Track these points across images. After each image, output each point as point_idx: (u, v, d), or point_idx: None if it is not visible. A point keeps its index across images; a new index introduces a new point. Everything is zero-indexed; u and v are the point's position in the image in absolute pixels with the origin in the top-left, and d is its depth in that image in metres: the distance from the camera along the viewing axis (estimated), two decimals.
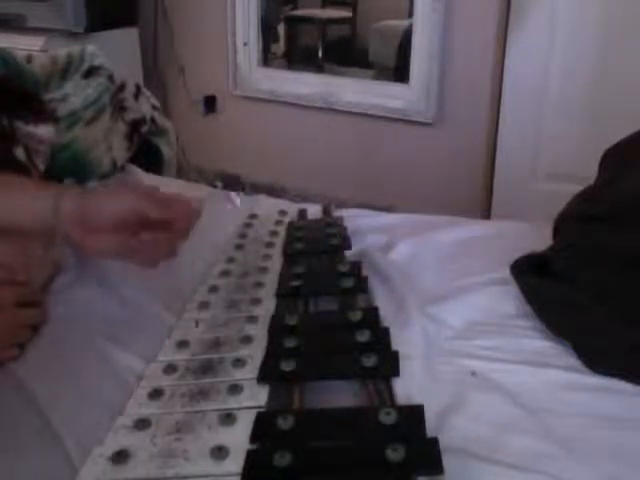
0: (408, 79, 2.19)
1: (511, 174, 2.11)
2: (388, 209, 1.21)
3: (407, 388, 0.60)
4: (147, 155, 1.26)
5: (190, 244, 0.64)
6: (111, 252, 0.61)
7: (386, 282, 0.81)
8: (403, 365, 0.62)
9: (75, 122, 1.05)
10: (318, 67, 3.07)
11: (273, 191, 2.36)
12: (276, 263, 0.86)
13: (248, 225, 0.99)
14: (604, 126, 1.60)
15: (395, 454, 0.48)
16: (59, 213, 0.58)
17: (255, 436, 0.53)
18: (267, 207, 1.07)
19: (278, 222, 1.00)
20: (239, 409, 0.57)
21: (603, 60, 1.89)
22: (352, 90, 2.32)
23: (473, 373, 0.64)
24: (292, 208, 1.06)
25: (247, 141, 2.54)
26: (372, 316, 0.71)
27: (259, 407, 0.57)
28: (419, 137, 2.21)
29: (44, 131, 0.92)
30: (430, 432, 0.52)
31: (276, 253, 0.89)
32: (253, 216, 1.02)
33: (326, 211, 1.04)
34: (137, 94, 1.23)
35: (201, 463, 0.51)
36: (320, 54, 3.24)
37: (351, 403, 0.58)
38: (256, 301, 0.76)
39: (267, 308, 0.74)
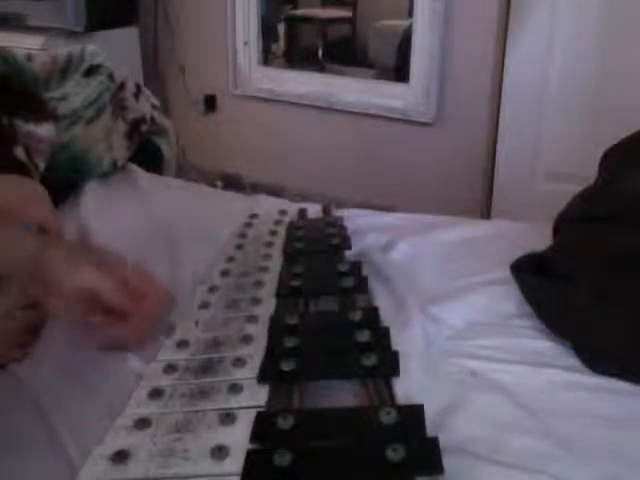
0: (408, 79, 2.20)
1: (511, 174, 2.11)
2: (388, 209, 1.21)
3: (407, 388, 0.60)
4: (147, 154, 1.26)
5: (190, 244, 0.64)
6: (68, 319, 0.53)
7: (386, 282, 0.81)
8: (403, 365, 0.62)
9: (75, 121, 1.05)
10: (318, 67, 3.07)
11: (273, 191, 2.36)
12: (276, 263, 0.86)
13: (248, 225, 0.99)
14: (604, 126, 1.60)
15: (395, 454, 0.48)
16: (21, 263, 0.51)
17: (255, 436, 0.52)
18: (267, 207, 1.07)
19: (278, 222, 1.00)
20: (239, 409, 0.56)
21: (603, 60, 1.89)
22: (352, 90, 2.32)
23: (473, 373, 0.64)
24: (292, 208, 1.06)
25: (247, 141, 2.54)
26: (372, 316, 0.71)
27: (259, 407, 0.57)
28: (419, 137, 2.21)
29: (44, 130, 0.92)
30: (430, 432, 0.52)
31: (276, 253, 0.89)
32: (253, 216, 1.02)
33: (326, 211, 1.04)
34: (137, 93, 1.22)
35: (201, 463, 0.51)
36: (320, 54, 3.24)
37: (351, 403, 0.58)
38: (256, 301, 0.76)
39: (267, 308, 0.74)
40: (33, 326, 0.65)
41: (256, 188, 2.38)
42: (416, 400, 0.57)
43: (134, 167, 1.19)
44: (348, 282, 0.78)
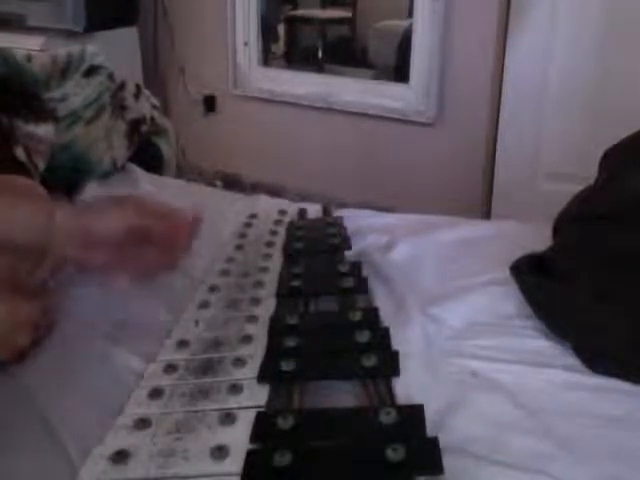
0: (408, 79, 2.20)
1: (511, 174, 2.11)
2: (388, 209, 1.21)
3: (407, 388, 0.60)
4: (147, 154, 1.26)
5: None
6: (110, 266, 0.59)
7: (386, 282, 0.81)
8: (403, 365, 0.62)
9: (75, 121, 1.05)
10: (318, 67, 3.07)
11: (273, 191, 2.36)
12: (276, 263, 0.86)
13: (248, 225, 0.99)
14: (604, 126, 1.60)
15: (395, 454, 0.48)
16: (52, 230, 0.57)
17: (255, 436, 0.52)
18: (267, 207, 1.07)
19: (278, 222, 1.00)
20: (239, 409, 0.56)
21: (603, 60, 1.89)
22: (352, 90, 2.32)
23: (473, 373, 0.64)
24: (292, 208, 1.06)
25: (247, 141, 2.54)
26: (372, 316, 0.71)
27: (259, 407, 0.57)
28: (419, 137, 2.21)
29: (44, 130, 0.92)
30: (430, 432, 0.52)
31: (276, 253, 0.89)
32: (253, 216, 1.02)
33: (326, 211, 1.04)
34: (137, 93, 1.23)
35: (201, 463, 0.51)
36: (320, 54, 3.25)
37: (351, 403, 0.58)
38: (256, 301, 0.76)
39: (267, 308, 0.74)
40: (47, 311, 0.67)
41: (256, 188, 2.38)
42: (416, 400, 0.57)
43: (134, 167, 1.19)
44: (348, 282, 0.78)
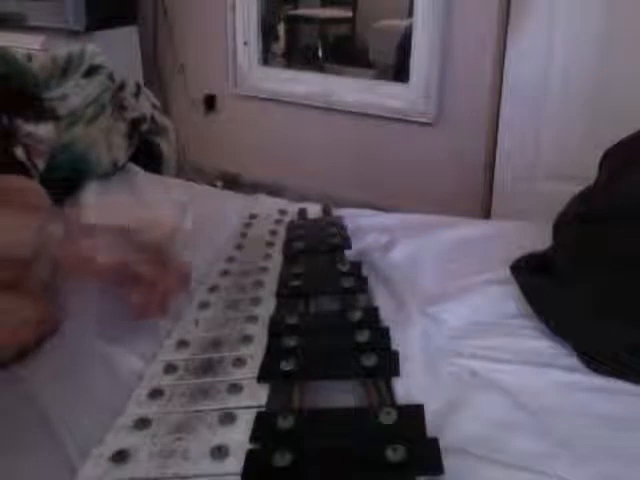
0: (408, 79, 2.20)
1: (511, 174, 2.11)
2: (388, 209, 1.21)
3: (407, 388, 0.60)
4: (147, 154, 1.26)
5: (190, 244, 0.64)
6: (108, 272, 0.58)
7: (386, 282, 0.81)
8: (403, 365, 0.62)
9: (75, 121, 1.05)
10: (318, 67, 3.07)
11: (273, 191, 2.36)
12: (276, 263, 0.86)
13: (248, 225, 0.99)
14: (604, 126, 1.60)
15: (395, 454, 0.48)
16: (41, 247, 0.56)
17: (255, 436, 0.52)
18: (267, 206, 1.07)
19: (278, 221, 1.00)
20: (239, 409, 0.56)
21: (603, 60, 1.89)
22: (352, 90, 2.32)
23: (473, 373, 0.64)
24: (292, 208, 1.06)
25: (247, 140, 2.54)
26: (372, 316, 0.71)
27: (259, 407, 0.57)
28: (419, 137, 2.21)
29: (44, 130, 0.92)
30: (430, 432, 0.52)
31: (276, 253, 0.89)
32: (253, 216, 1.02)
33: (326, 211, 1.04)
34: (137, 93, 1.23)
35: (201, 463, 0.51)
36: (320, 53, 3.25)
37: (351, 403, 0.58)
38: (256, 301, 0.76)
39: (267, 308, 0.74)
40: (50, 310, 0.66)
41: (256, 188, 2.38)
42: (416, 400, 0.57)
43: (134, 167, 1.19)
44: (348, 282, 0.78)
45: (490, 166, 2.14)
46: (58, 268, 0.60)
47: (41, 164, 0.90)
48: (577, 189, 0.82)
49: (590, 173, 0.83)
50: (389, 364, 0.61)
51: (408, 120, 2.19)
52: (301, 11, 3.48)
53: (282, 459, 0.49)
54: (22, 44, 1.79)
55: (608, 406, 0.60)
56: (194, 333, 0.70)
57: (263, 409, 0.56)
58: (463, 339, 0.70)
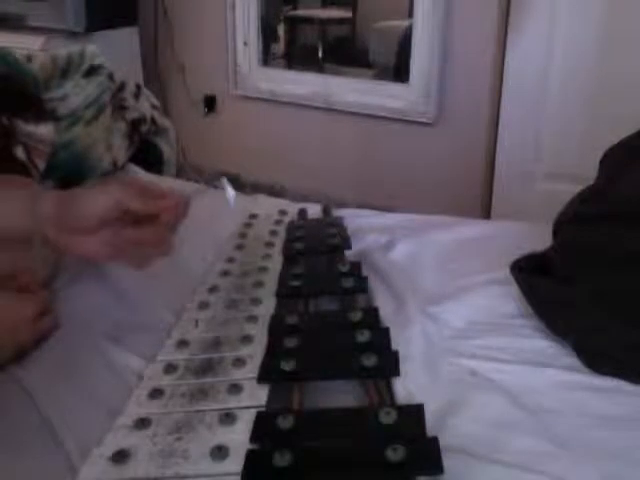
0: (408, 79, 2.19)
1: (511, 174, 2.11)
2: (388, 209, 1.21)
3: (407, 388, 0.60)
4: (147, 154, 1.26)
5: (190, 243, 0.64)
6: (98, 253, 0.57)
7: (386, 282, 0.81)
8: (403, 365, 0.62)
9: (75, 121, 1.05)
10: (318, 67, 3.06)
11: (273, 191, 2.36)
12: (276, 263, 0.86)
13: (248, 225, 0.99)
14: (604, 126, 1.59)
15: (395, 454, 0.48)
16: (37, 216, 0.55)
17: (255, 436, 0.53)
18: (267, 207, 1.07)
19: (278, 222, 1.00)
20: (239, 409, 0.57)
21: (603, 60, 1.89)
22: (352, 90, 2.31)
23: (473, 373, 0.64)
24: (292, 208, 1.06)
25: (247, 141, 2.54)
26: (372, 316, 0.71)
27: (259, 407, 0.57)
28: (419, 137, 2.21)
29: (44, 130, 0.92)
30: (430, 432, 0.52)
31: (276, 253, 0.89)
32: (253, 216, 1.02)
33: (326, 211, 1.04)
34: (137, 93, 1.23)
35: (201, 463, 0.51)
36: (320, 54, 3.24)
37: (351, 403, 0.58)
38: (256, 301, 0.76)
39: (267, 308, 0.74)
40: (48, 309, 0.66)
41: (256, 188, 2.38)
42: (416, 400, 0.57)
43: (134, 167, 1.19)
44: (348, 282, 0.78)
45: (490, 166, 2.14)
46: (54, 248, 0.60)
47: (41, 164, 0.90)
48: (577, 189, 0.82)
49: (590, 173, 0.83)
50: (389, 364, 0.62)
51: (408, 120, 2.19)
52: (301, 11, 3.47)
53: (282, 459, 0.49)
54: (22, 45, 1.79)
55: (608, 406, 0.60)
56: (194, 333, 0.70)
57: (263, 409, 0.56)
58: (463, 339, 0.70)
